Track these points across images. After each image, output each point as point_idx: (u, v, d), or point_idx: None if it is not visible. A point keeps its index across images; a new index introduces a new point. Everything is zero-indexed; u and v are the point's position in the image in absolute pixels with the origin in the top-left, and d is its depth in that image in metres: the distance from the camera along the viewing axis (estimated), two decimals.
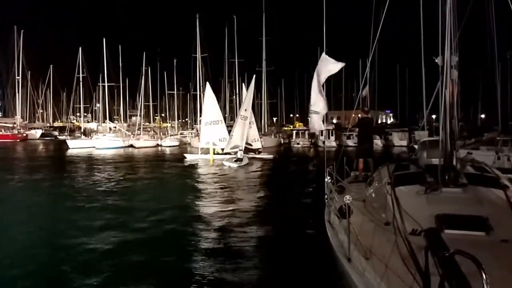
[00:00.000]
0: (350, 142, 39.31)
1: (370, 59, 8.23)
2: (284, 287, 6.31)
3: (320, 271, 6.28)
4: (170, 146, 42.06)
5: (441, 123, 5.83)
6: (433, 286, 3.01)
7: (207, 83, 28.56)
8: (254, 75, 28.09)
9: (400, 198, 5.06)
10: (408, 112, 64.63)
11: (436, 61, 5.99)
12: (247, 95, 27.12)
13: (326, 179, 7.25)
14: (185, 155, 28.03)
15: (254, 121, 28.15)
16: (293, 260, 7.21)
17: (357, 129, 10.16)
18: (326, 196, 7.19)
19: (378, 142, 35.74)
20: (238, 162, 23.29)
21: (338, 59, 7.93)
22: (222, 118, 27.20)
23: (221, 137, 26.09)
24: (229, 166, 22.42)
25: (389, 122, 74.22)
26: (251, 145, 27.04)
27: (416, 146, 22.79)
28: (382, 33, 8.92)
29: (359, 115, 10.37)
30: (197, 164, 24.37)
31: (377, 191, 6.54)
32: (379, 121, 67.83)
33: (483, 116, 40.37)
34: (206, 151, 26.38)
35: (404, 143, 41.25)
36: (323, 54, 7.81)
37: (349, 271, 4.00)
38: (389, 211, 5.02)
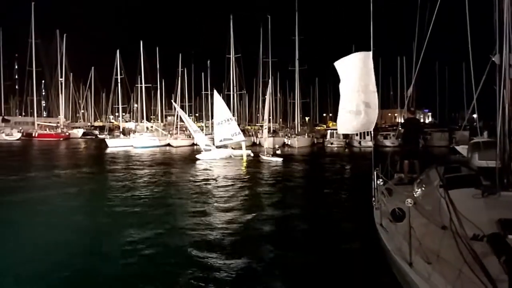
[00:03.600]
0: (387, 142, 38.69)
1: (420, 59, 7.99)
2: None
3: (376, 275, 6.16)
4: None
5: (499, 124, 5.61)
6: None
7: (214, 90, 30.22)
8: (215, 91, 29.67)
9: (455, 202, 4.92)
10: (447, 112, 62.73)
11: (493, 59, 5.76)
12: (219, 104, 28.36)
13: (378, 181, 7.11)
14: (197, 156, 26.86)
15: (232, 118, 29.33)
16: (347, 263, 7.12)
17: (402, 130, 9.91)
18: (374, 199, 7.07)
19: None
20: (278, 156, 25.72)
21: (375, 56, 7.84)
22: (231, 116, 28.48)
23: (233, 132, 27.44)
24: (276, 161, 24.68)
25: (427, 121, 72.12)
26: (231, 139, 28.03)
27: (457, 147, 22.03)
28: (421, 30, 8.67)
29: (404, 115, 10.14)
30: (228, 162, 25.06)
31: (427, 194, 6.40)
32: None
33: None
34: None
35: (444, 143, 39.81)
36: (369, 53, 7.67)
37: (412, 276, 3.94)
38: (444, 214, 4.91)
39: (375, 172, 7.46)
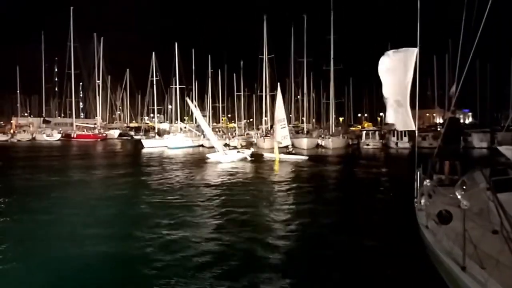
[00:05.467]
0: (425, 143, 37.35)
1: (469, 58, 7.57)
2: None
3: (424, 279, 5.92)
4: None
5: None
6: None
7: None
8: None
9: (504, 205, 4.69)
10: (489, 111, 59.84)
11: None
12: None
13: (425, 182, 6.86)
14: (207, 155, 27.39)
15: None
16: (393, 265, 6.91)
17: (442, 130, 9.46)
18: (416, 200, 6.80)
19: None
20: (302, 155, 27.87)
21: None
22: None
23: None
24: (302, 160, 26.58)
25: (467, 122, 69.27)
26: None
27: (500, 148, 20.87)
28: (466, 28, 8.21)
29: (443, 115, 9.68)
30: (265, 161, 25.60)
31: (473, 197, 6.09)
32: None
33: None
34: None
35: (485, 145, 38.00)
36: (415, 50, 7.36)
37: (466, 280, 3.83)
38: (494, 218, 4.76)
39: (417, 173, 7.20)
